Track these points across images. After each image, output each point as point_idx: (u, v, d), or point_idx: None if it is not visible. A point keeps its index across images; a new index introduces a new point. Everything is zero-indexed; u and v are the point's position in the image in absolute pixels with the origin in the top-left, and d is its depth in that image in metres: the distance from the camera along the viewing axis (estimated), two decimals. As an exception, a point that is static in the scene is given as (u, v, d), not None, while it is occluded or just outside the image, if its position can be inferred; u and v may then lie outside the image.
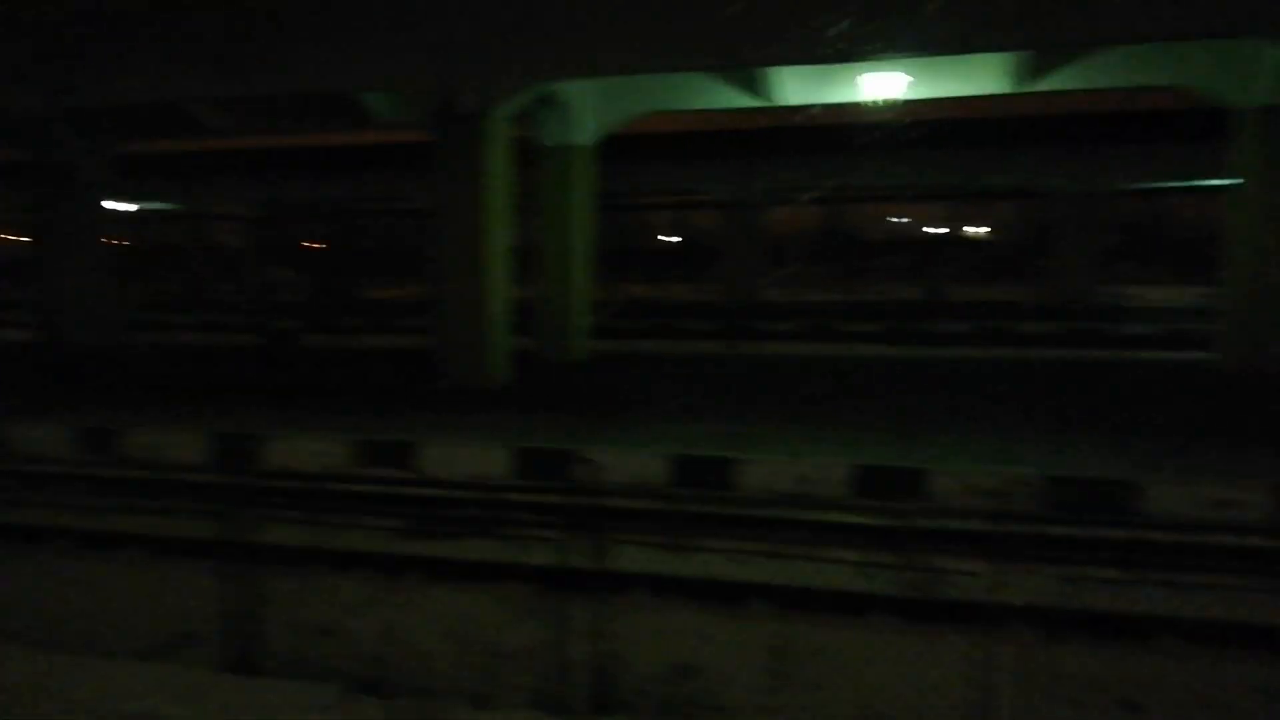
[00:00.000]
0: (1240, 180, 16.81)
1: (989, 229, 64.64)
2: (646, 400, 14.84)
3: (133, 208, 42.73)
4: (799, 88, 18.26)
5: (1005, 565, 7.90)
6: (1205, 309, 22.98)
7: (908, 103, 18.43)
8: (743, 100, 18.66)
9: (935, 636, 6.96)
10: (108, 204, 23.69)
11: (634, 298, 37.54)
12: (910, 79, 16.45)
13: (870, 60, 14.86)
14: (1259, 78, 15.96)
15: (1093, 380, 17.21)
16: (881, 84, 16.38)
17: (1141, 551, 8.30)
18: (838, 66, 16.27)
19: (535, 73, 16.10)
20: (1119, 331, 24.24)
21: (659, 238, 67.34)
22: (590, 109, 19.35)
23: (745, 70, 17.23)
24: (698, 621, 7.30)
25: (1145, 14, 13.33)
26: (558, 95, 18.30)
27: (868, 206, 58.95)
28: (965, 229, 65.35)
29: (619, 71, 16.80)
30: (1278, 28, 13.11)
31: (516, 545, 8.93)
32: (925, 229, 66.51)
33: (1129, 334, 23.78)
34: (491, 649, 6.88)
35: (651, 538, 8.94)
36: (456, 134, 16.36)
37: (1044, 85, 17.11)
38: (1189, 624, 6.89)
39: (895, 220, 67.40)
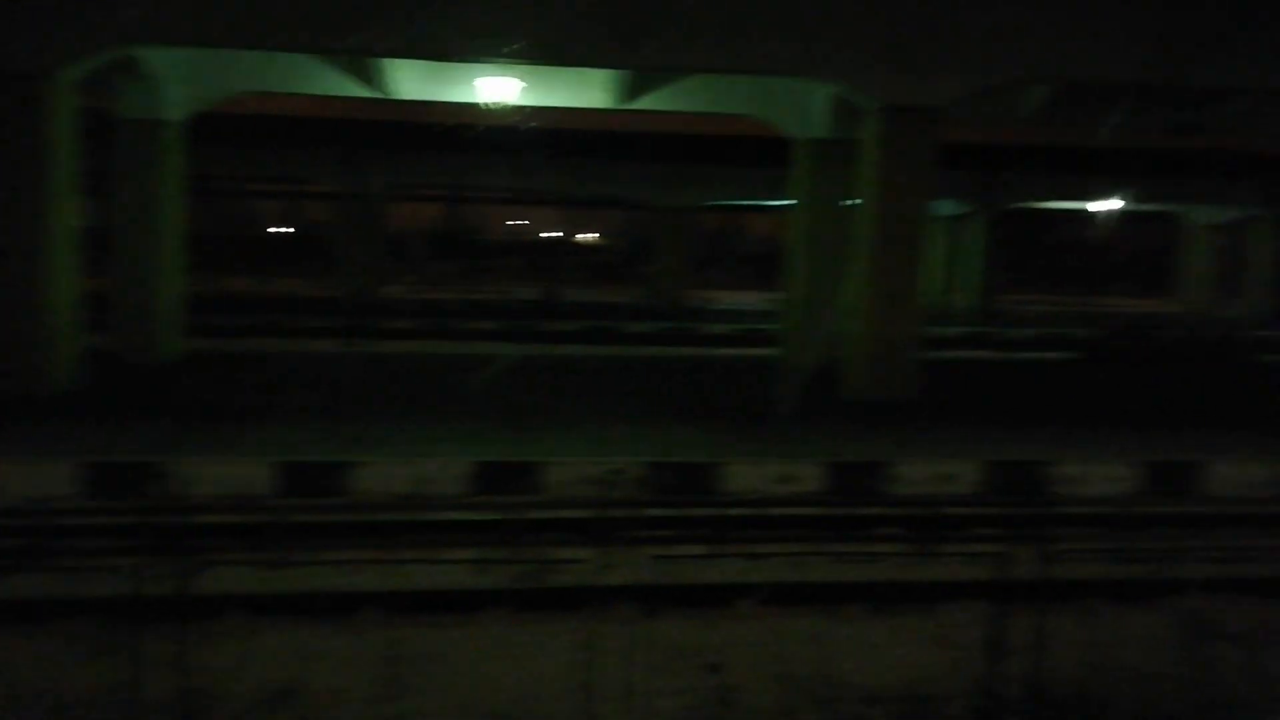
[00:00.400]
0: (795, 201, 19.63)
1: (600, 235, 68.89)
2: (250, 404, 13.67)
3: None
4: (415, 83, 17.95)
5: (608, 549, 8.43)
6: (773, 312, 26.46)
7: (524, 109, 18.96)
8: (355, 89, 17.94)
9: (546, 624, 7.21)
10: None
11: (237, 292, 34.52)
12: (523, 85, 16.92)
13: (470, 62, 15.00)
14: (810, 114, 18.72)
15: (684, 374, 19.10)
16: (496, 88, 16.67)
17: (723, 526, 9.33)
18: (454, 66, 16.23)
19: (103, 36, 14.04)
20: (706, 331, 27.10)
21: (269, 229, 62.59)
22: (181, 82, 17.35)
23: (353, 58, 16.55)
24: (302, 639, 6.86)
25: (716, 49, 15.00)
26: (140, 63, 16.18)
27: (488, 208, 59.96)
28: (579, 234, 69.06)
29: (202, 43, 15.19)
30: (820, 71, 15.42)
31: (83, 576, 7.74)
32: (542, 233, 69.16)
33: (713, 333, 26.70)
34: (49, 700, 5.89)
35: (250, 555, 8.24)
36: (7, 97, 13.83)
37: (641, 104, 18.58)
38: (761, 588, 7.86)
39: (514, 223, 69.26)
